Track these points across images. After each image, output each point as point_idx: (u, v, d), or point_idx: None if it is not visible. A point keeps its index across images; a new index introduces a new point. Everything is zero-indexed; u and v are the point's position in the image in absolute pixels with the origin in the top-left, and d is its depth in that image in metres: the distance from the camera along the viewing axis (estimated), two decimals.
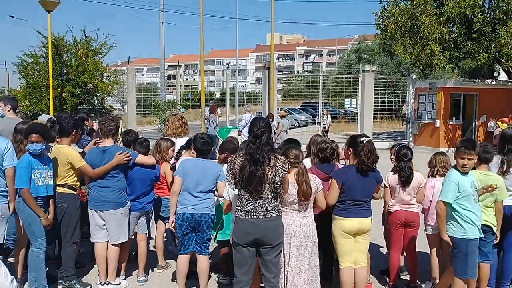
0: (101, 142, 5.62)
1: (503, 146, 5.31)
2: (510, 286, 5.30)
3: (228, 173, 4.20)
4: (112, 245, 5.38)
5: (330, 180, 4.90)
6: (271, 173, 4.05)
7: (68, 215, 5.28)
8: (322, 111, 21.68)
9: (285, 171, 4.14)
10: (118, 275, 5.54)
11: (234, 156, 4.21)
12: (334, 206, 4.89)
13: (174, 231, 5.10)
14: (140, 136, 6.12)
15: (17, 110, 7.71)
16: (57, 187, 5.27)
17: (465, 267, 4.56)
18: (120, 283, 5.49)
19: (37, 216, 4.96)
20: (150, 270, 5.97)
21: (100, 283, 5.40)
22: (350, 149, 5.01)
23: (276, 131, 15.73)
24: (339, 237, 4.85)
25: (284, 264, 4.56)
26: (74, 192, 5.33)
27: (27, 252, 5.25)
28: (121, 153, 5.28)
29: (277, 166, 4.08)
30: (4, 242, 6.03)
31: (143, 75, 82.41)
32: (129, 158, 5.32)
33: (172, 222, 5.08)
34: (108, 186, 5.31)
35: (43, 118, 7.99)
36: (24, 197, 4.92)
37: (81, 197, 5.45)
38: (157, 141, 6.11)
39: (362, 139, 4.92)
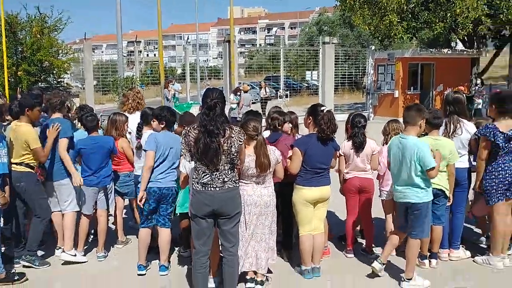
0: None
1: (445, 109, 5.47)
2: (461, 245, 5.54)
3: (183, 146, 4.18)
4: (64, 214, 5.49)
5: (292, 149, 4.96)
6: (227, 145, 4.06)
7: (28, 193, 5.23)
8: (260, 83, 21.37)
9: (241, 141, 4.16)
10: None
11: (188, 129, 4.18)
12: (293, 176, 4.97)
13: (142, 207, 5.04)
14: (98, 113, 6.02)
15: None
16: (15, 166, 5.18)
17: (426, 228, 4.80)
18: (75, 255, 5.49)
19: None
20: (111, 247, 5.94)
21: (56, 248, 5.62)
22: (310, 117, 5.10)
23: (239, 106, 15.74)
24: (301, 206, 4.94)
25: (245, 233, 4.64)
26: (32, 170, 5.24)
27: None
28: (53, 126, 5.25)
29: (233, 137, 4.09)
30: None
31: (102, 52, 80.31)
32: (58, 128, 5.26)
33: (142, 198, 5.00)
34: (50, 158, 5.34)
35: None
36: None
37: (39, 175, 5.34)
38: (111, 117, 5.98)
39: (322, 108, 5.00)
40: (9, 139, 5.22)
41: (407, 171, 4.64)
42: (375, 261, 4.94)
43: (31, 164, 5.23)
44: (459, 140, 5.34)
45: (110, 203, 5.83)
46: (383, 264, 4.92)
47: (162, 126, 5.12)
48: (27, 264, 5.28)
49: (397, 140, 4.80)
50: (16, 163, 5.19)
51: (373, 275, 4.96)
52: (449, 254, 5.45)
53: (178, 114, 5.90)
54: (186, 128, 4.30)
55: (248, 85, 19.56)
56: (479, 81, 19.71)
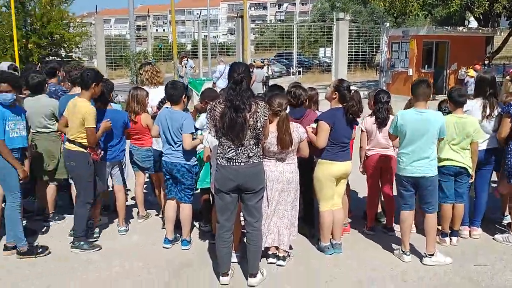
0: None
1: (483, 90, 5.36)
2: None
3: (208, 120, 4.16)
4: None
5: (318, 123, 4.90)
6: (253, 120, 4.03)
7: (77, 174, 5.12)
8: (263, 61, 19.89)
9: (266, 117, 4.13)
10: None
11: (214, 104, 4.15)
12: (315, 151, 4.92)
13: None
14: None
15: None
16: (68, 143, 5.07)
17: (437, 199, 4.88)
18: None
19: (13, 169, 4.85)
20: (129, 221, 5.98)
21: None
22: (336, 93, 4.96)
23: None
24: (326, 181, 4.90)
25: (267, 209, 4.64)
26: (84, 150, 5.04)
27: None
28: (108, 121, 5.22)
29: (258, 112, 4.06)
30: None
31: (110, 26, 79.88)
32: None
33: None
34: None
35: (2, 66, 7.69)
36: (0, 149, 4.78)
37: (94, 155, 5.12)
38: (132, 91, 5.83)
39: (351, 88, 4.94)
40: (66, 113, 5.07)
41: (428, 144, 4.64)
42: (403, 255, 4.88)
43: (84, 143, 5.03)
44: (497, 121, 5.29)
45: (126, 177, 5.84)
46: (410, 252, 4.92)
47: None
48: (77, 250, 5.11)
49: (413, 114, 4.70)
50: (69, 140, 5.06)
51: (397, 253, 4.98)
52: (470, 232, 5.44)
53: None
54: (211, 103, 4.26)
55: (261, 61, 19.37)
56: (486, 61, 19.49)
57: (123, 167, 5.78)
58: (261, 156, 4.27)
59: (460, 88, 5.43)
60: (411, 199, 4.85)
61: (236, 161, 4.10)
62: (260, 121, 4.07)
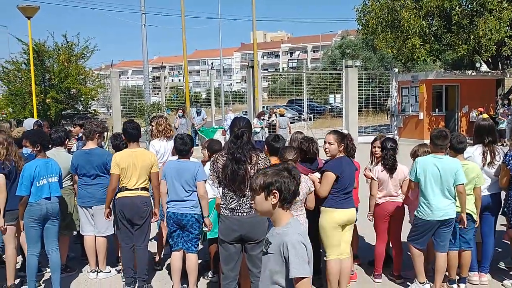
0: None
1: (482, 138, 5.44)
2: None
3: (211, 172, 4.31)
4: (100, 237, 5.78)
5: (324, 173, 4.90)
6: (254, 171, 4.16)
7: (149, 217, 5.45)
8: (269, 110, 19.03)
9: None
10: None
11: (216, 156, 4.31)
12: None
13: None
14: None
15: (0, 118, 7.75)
16: (136, 191, 5.31)
17: None
18: (110, 271, 5.86)
19: None
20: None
21: (91, 271, 5.85)
22: (342, 145, 4.97)
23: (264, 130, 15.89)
24: (331, 229, 4.90)
25: None
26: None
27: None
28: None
29: (259, 163, 4.20)
30: None
31: (127, 77, 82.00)
32: None
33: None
34: (96, 184, 5.66)
35: (29, 123, 8.00)
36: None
37: None
38: None
39: (344, 132, 5.09)
40: (127, 164, 5.23)
41: (447, 187, 4.86)
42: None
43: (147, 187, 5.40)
44: (499, 167, 5.36)
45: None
46: None
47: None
48: None
49: (431, 160, 4.95)
50: (140, 188, 5.31)
51: None
52: (479, 277, 5.39)
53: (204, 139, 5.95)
54: (214, 155, 4.43)
55: (284, 108, 19.55)
56: (506, 101, 19.52)
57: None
58: None
59: (459, 134, 5.53)
60: (428, 240, 5.09)
61: (239, 211, 4.21)
62: None
